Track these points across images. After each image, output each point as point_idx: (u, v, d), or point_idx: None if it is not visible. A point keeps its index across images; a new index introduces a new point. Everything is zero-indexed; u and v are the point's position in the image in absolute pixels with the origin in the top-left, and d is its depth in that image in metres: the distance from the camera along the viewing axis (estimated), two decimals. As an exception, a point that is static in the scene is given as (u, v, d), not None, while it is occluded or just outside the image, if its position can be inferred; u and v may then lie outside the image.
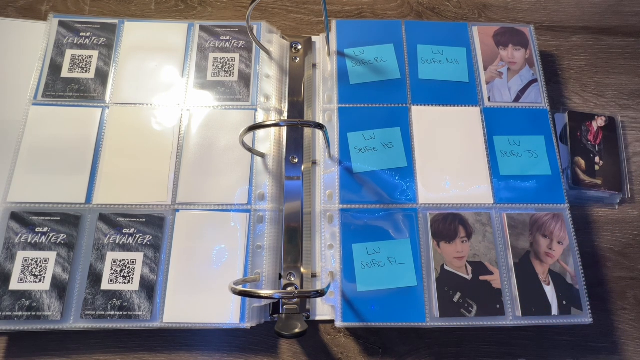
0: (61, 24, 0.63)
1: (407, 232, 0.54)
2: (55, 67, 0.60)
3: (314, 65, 0.65)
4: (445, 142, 0.59)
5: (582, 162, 0.62)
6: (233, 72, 0.62)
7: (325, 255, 0.54)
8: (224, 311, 0.50)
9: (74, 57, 0.61)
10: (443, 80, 0.62)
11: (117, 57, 0.62)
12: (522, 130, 0.60)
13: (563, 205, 0.56)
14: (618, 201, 0.62)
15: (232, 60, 0.62)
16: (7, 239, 0.52)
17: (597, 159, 0.63)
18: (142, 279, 0.51)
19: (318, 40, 0.67)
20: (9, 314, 0.49)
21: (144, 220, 0.54)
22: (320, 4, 0.72)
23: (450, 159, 0.58)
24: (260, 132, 0.59)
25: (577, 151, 0.63)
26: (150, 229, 0.54)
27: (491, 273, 0.53)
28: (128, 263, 0.52)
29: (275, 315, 0.52)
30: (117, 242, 0.53)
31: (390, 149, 0.58)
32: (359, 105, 0.60)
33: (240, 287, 0.41)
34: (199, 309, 0.51)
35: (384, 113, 0.60)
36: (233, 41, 0.63)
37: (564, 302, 0.52)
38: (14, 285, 0.50)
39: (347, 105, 0.60)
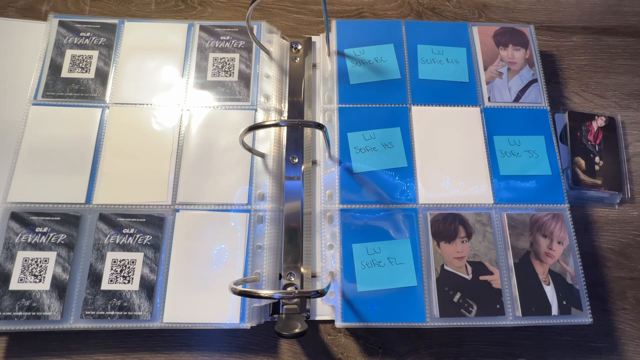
0: (61, 24, 0.63)
1: (407, 232, 0.54)
2: (55, 67, 0.60)
3: (314, 65, 0.65)
4: (445, 142, 0.59)
5: (582, 162, 0.62)
6: (233, 72, 0.62)
7: (325, 255, 0.54)
8: (224, 311, 0.50)
9: (74, 57, 0.61)
10: (443, 80, 0.62)
11: (117, 57, 0.62)
12: (522, 130, 0.60)
13: (563, 205, 0.56)
14: (618, 201, 0.62)
15: (232, 60, 0.62)
16: (7, 239, 0.52)
17: (597, 159, 0.63)
18: (142, 279, 0.51)
19: (318, 40, 0.67)
20: (9, 314, 0.49)
21: (144, 220, 0.54)
22: (320, 4, 0.72)
23: (450, 159, 0.58)
24: (260, 132, 0.59)
25: (577, 151, 0.63)
26: (150, 229, 0.54)
27: (491, 273, 0.53)
28: (128, 263, 0.52)
29: (275, 315, 0.52)
30: (117, 242, 0.53)
31: (390, 149, 0.58)
32: (359, 105, 0.60)
33: (240, 287, 0.41)
34: (199, 309, 0.51)
35: (384, 113, 0.60)
36: (233, 41, 0.63)
37: (564, 302, 0.52)
38: (14, 285, 0.50)
39: (347, 105, 0.60)
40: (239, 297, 0.51)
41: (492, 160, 0.58)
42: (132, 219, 0.54)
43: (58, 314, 0.50)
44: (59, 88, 0.59)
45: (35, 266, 0.51)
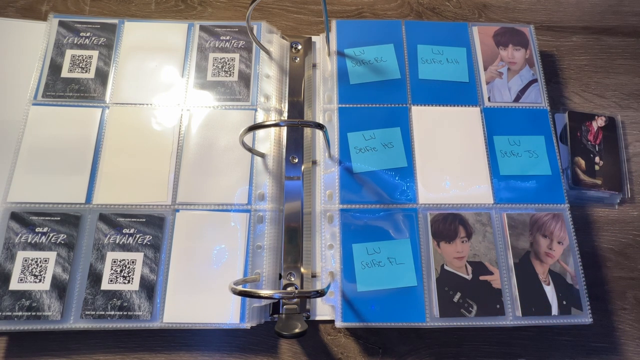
0: (61, 24, 0.63)
1: (407, 232, 0.54)
2: (55, 67, 0.60)
3: (314, 65, 0.65)
4: (445, 142, 0.59)
5: (582, 162, 0.62)
6: (233, 72, 0.62)
7: (325, 255, 0.54)
8: (224, 311, 0.50)
9: (74, 57, 0.61)
10: (443, 80, 0.62)
11: (117, 57, 0.62)
12: (522, 130, 0.60)
13: (563, 205, 0.56)
14: (618, 201, 0.62)
15: (232, 60, 0.62)
16: (7, 239, 0.52)
17: (597, 159, 0.63)
18: (142, 279, 0.51)
19: (318, 40, 0.67)
20: (9, 314, 0.49)
21: (144, 220, 0.54)
22: (320, 4, 0.72)
23: (450, 159, 0.58)
24: (260, 132, 0.59)
25: (577, 151, 0.63)
26: (150, 229, 0.54)
27: (491, 273, 0.53)
28: (128, 263, 0.52)
29: (275, 315, 0.52)
30: (117, 242, 0.53)
31: (390, 149, 0.58)
32: (359, 105, 0.60)
33: (240, 287, 0.41)
34: (199, 309, 0.51)
35: (384, 113, 0.60)
36: (233, 41, 0.63)
37: (564, 302, 0.52)
38: (14, 285, 0.50)
39: (347, 105, 0.60)
40: (239, 297, 0.51)
41: (492, 160, 0.58)
42: (132, 219, 0.54)
43: (58, 314, 0.50)
44: (59, 88, 0.59)
45: (35, 266, 0.51)
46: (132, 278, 0.51)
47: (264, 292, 0.42)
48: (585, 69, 0.70)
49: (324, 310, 0.54)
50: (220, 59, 0.62)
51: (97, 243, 0.53)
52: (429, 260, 0.53)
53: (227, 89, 0.61)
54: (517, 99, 0.62)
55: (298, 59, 0.65)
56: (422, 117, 0.60)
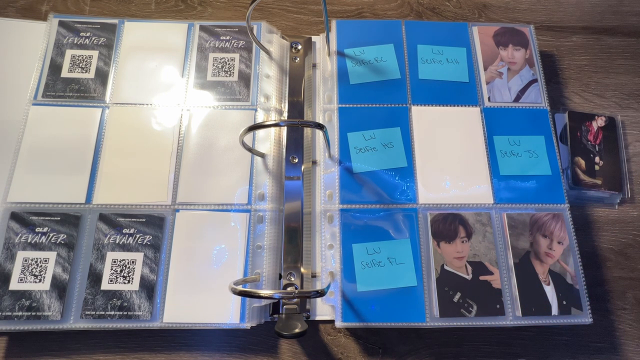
0: (61, 24, 0.63)
1: (407, 232, 0.54)
2: (55, 67, 0.60)
3: (314, 65, 0.65)
4: (445, 142, 0.59)
5: (582, 162, 0.62)
6: (233, 72, 0.62)
7: (325, 255, 0.54)
8: (224, 311, 0.50)
9: (74, 57, 0.61)
10: (443, 80, 0.62)
11: (117, 57, 0.62)
12: (522, 130, 0.60)
13: (563, 205, 0.56)
14: (618, 201, 0.62)
15: (232, 60, 0.62)
16: (7, 239, 0.52)
17: (597, 159, 0.63)
18: (142, 279, 0.51)
19: (318, 40, 0.67)
20: (9, 314, 0.49)
21: (144, 220, 0.54)
22: (320, 4, 0.72)
23: (450, 159, 0.58)
24: (260, 132, 0.59)
25: (577, 151, 0.63)
26: (150, 229, 0.54)
27: (491, 273, 0.53)
28: (128, 263, 0.52)
29: (275, 315, 0.52)
30: (117, 242, 0.53)
31: (390, 149, 0.58)
32: (359, 105, 0.60)
33: (240, 287, 0.41)
34: (199, 309, 0.51)
35: (384, 113, 0.60)
36: (233, 41, 0.63)
37: (564, 302, 0.52)
38: (14, 285, 0.50)
39: (347, 105, 0.60)
40: (239, 297, 0.51)
41: (492, 160, 0.58)
42: (132, 219, 0.54)
43: (58, 314, 0.50)
44: (59, 88, 0.59)
45: (35, 266, 0.51)
46: (132, 278, 0.51)
47: (264, 292, 0.42)
48: (585, 69, 0.70)
49: (324, 310, 0.54)
50: (220, 59, 0.62)
51: (97, 243, 0.53)
52: (429, 260, 0.53)
53: (227, 89, 0.61)
54: (517, 99, 0.62)
55: (298, 59, 0.65)
56: (422, 117, 0.60)
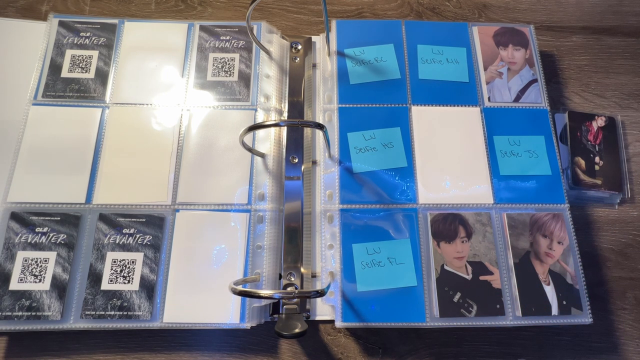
0: (61, 24, 0.63)
1: (407, 232, 0.54)
2: (55, 67, 0.60)
3: (314, 65, 0.65)
4: (445, 142, 0.59)
5: (582, 162, 0.62)
6: (233, 72, 0.62)
7: (325, 255, 0.54)
8: (224, 311, 0.50)
9: (74, 57, 0.61)
10: (443, 80, 0.62)
11: (117, 57, 0.62)
12: (522, 130, 0.60)
13: (563, 205, 0.56)
14: (618, 201, 0.62)
15: (232, 60, 0.62)
16: (7, 239, 0.52)
17: (597, 159, 0.63)
18: (142, 279, 0.51)
19: (318, 40, 0.67)
20: (9, 314, 0.49)
21: (144, 220, 0.54)
22: (320, 4, 0.72)
23: (450, 159, 0.58)
24: (260, 132, 0.59)
25: (577, 151, 0.63)
26: (150, 229, 0.54)
27: (491, 273, 0.53)
28: (128, 263, 0.52)
29: (275, 315, 0.52)
30: (117, 242, 0.53)
31: (390, 149, 0.58)
32: (359, 105, 0.60)
33: (240, 287, 0.41)
34: (199, 309, 0.51)
35: (384, 113, 0.60)
36: (233, 41, 0.63)
37: (564, 302, 0.52)
38: (14, 285, 0.50)
39: (347, 105, 0.60)
40: (239, 297, 0.51)
41: (492, 160, 0.58)
42: (132, 219, 0.54)
43: (58, 314, 0.50)
44: (59, 88, 0.59)
45: (35, 266, 0.51)
46: (132, 278, 0.51)
47: (264, 292, 0.42)
48: (585, 69, 0.70)
49: (324, 310, 0.54)
50: (220, 59, 0.62)
51: (97, 243, 0.53)
52: (429, 260, 0.53)
53: (227, 89, 0.61)
54: (517, 99, 0.62)
55: (298, 59, 0.65)
56: (422, 117, 0.60)
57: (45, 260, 0.51)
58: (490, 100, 0.61)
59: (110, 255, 0.52)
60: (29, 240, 0.52)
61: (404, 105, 0.61)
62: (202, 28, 0.64)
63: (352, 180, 0.56)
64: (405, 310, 0.51)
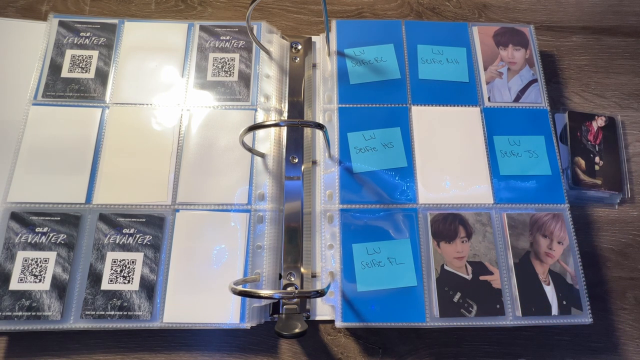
0: (61, 24, 0.63)
1: (407, 232, 0.54)
2: (55, 67, 0.60)
3: (314, 65, 0.65)
4: (445, 142, 0.59)
5: (582, 162, 0.62)
6: (233, 72, 0.62)
7: (325, 255, 0.54)
8: (224, 311, 0.50)
9: (74, 57, 0.61)
10: (443, 80, 0.62)
11: (117, 57, 0.62)
12: (522, 130, 0.60)
13: (563, 205, 0.56)
14: (618, 201, 0.62)
15: (232, 60, 0.62)
16: (7, 239, 0.52)
17: (597, 159, 0.63)
18: (142, 279, 0.51)
19: (318, 40, 0.67)
20: (9, 314, 0.49)
21: (144, 220, 0.54)
22: (320, 4, 0.72)
23: (450, 159, 0.58)
24: (260, 132, 0.59)
25: (577, 151, 0.63)
26: (150, 229, 0.54)
27: (491, 273, 0.53)
28: (128, 263, 0.52)
29: (275, 315, 0.52)
30: (117, 242, 0.53)
31: (390, 149, 0.58)
32: (359, 105, 0.60)
33: (240, 287, 0.41)
34: (199, 309, 0.51)
35: (384, 113, 0.60)
36: (233, 41, 0.63)
37: (564, 302, 0.52)
38: (14, 285, 0.50)
39: (347, 105, 0.60)
40: (239, 297, 0.51)
41: (492, 160, 0.58)
42: (132, 219, 0.54)
43: (58, 314, 0.50)
44: (59, 88, 0.59)
45: (35, 266, 0.51)
46: (132, 278, 0.51)
47: (264, 292, 0.42)
48: (585, 69, 0.70)
49: (324, 310, 0.54)
50: (220, 59, 0.62)
51: (97, 243, 0.53)
52: (429, 260, 0.53)
53: (227, 89, 0.61)
54: (517, 99, 0.62)
55: (298, 59, 0.65)
56: (422, 117, 0.60)
57: (45, 260, 0.51)
58: (490, 100, 0.61)
59: (110, 255, 0.52)
60: (29, 240, 0.52)
61: (404, 105, 0.61)
62: (202, 28, 0.64)
63: (352, 180, 0.56)
64: (405, 310, 0.51)
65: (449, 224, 0.55)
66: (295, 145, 0.60)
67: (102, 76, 0.61)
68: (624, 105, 0.68)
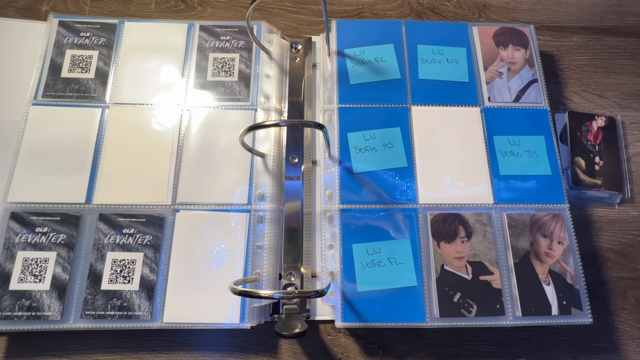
0: (61, 24, 0.63)
1: (407, 232, 0.54)
2: (55, 67, 0.60)
3: (314, 65, 0.65)
4: (445, 142, 0.59)
5: (582, 162, 0.62)
6: (233, 72, 0.62)
7: (325, 255, 0.54)
8: (224, 311, 0.50)
9: (74, 57, 0.61)
10: (443, 80, 0.62)
11: (117, 57, 0.62)
12: (522, 130, 0.60)
13: (563, 205, 0.56)
14: (618, 201, 0.62)
15: (232, 60, 0.62)
16: (7, 239, 0.52)
17: (597, 159, 0.63)
18: (142, 279, 0.51)
19: (318, 40, 0.67)
20: (9, 314, 0.49)
21: (144, 220, 0.54)
22: (320, 4, 0.72)
23: (450, 159, 0.58)
24: (260, 132, 0.59)
25: (577, 151, 0.63)
26: (150, 229, 0.54)
27: (491, 273, 0.53)
28: (128, 263, 0.52)
29: (275, 315, 0.52)
30: (117, 242, 0.53)
31: (390, 149, 0.58)
32: (359, 105, 0.60)
33: (240, 287, 0.41)
34: (199, 309, 0.51)
35: (384, 113, 0.60)
36: (233, 41, 0.63)
37: (564, 302, 0.52)
38: (14, 285, 0.50)
39: (347, 105, 0.60)
40: (239, 297, 0.51)
41: (492, 160, 0.58)
42: (132, 219, 0.54)
43: (58, 314, 0.50)
44: (59, 88, 0.59)
45: (35, 266, 0.51)
46: (132, 278, 0.51)
47: (264, 292, 0.42)
48: (585, 69, 0.70)
49: (324, 310, 0.54)
50: (220, 59, 0.62)
51: (97, 243, 0.53)
52: (429, 260, 0.53)
53: (227, 89, 0.61)
54: (517, 99, 0.62)
55: (298, 59, 0.65)
56: (422, 117, 0.60)
57: (45, 260, 0.51)
58: (490, 100, 0.61)
59: (110, 255, 0.52)
60: (29, 240, 0.52)
61: (404, 105, 0.61)
62: (202, 28, 0.64)
63: (352, 180, 0.56)
64: (405, 310, 0.51)
65: (449, 224, 0.55)
66: (295, 145, 0.60)
67: (102, 76, 0.61)
68: (624, 105, 0.68)
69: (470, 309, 0.51)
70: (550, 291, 0.52)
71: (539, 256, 0.54)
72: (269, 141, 0.58)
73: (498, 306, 0.51)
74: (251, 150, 0.56)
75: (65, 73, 0.60)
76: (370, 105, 0.60)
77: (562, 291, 0.52)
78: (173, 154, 0.57)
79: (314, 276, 0.55)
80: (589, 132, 0.64)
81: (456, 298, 0.51)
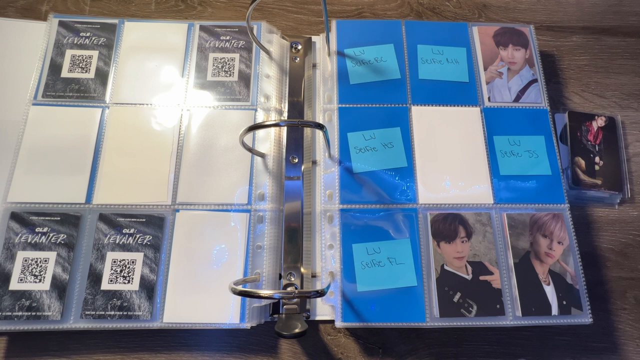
0: (61, 24, 0.63)
1: (407, 232, 0.54)
2: (55, 67, 0.60)
3: (314, 65, 0.65)
4: (445, 142, 0.59)
5: (582, 162, 0.62)
6: (233, 72, 0.62)
7: (325, 255, 0.54)
8: (224, 311, 0.50)
9: (74, 57, 0.61)
10: (443, 80, 0.62)
11: (117, 57, 0.62)
12: (522, 130, 0.60)
13: (563, 205, 0.56)
14: (618, 201, 0.62)
15: (232, 60, 0.62)
16: (7, 239, 0.52)
17: (597, 159, 0.63)
18: (142, 279, 0.51)
19: (318, 40, 0.67)
20: (9, 314, 0.49)
21: (144, 220, 0.54)
22: (320, 4, 0.72)
23: (450, 159, 0.58)
24: (260, 132, 0.59)
25: (577, 151, 0.63)
26: (150, 229, 0.54)
27: (491, 273, 0.53)
28: (128, 263, 0.52)
29: (275, 315, 0.52)
30: (117, 242, 0.53)
31: (390, 149, 0.58)
32: (359, 105, 0.60)
33: (240, 287, 0.41)
34: (199, 309, 0.51)
35: (384, 113, 0.60)
36: (233, 41, 0.63)
37: (564, 302, 0.52)
38: (14, 285, 0.50)
39: (347, 105, 0.60)
40: (239, 297, 0.51)
41: (492, 160, 0.58)
42: (132, 219, 0.54)
43: (58, 314, 0.50)
44: (59, 88, 0.59)
45: (35, 266, 0.51)
46: (132, 278, 0.51)
47: (264, 292, 0.42)
48: (585, 69, 0.70)
49: (324, 310, 0.54)
50: (220, 59, 0.62)
51: (97, 243, 0.53)
52: (429, 260, 0.53)
53: (227, 89, 0.61)
54: (517, 99, 0.62)
55: (298, 59, 0.65)
56: (422, 117, 0.60)
57: (45, 260, 0.51)
58: (490, 100, 0.61)
59: (110, 255, 0.52)
60: (29, 240, 0.52)
61: (404, 105, 0.61)
62: (202, 28, 0.64)
63: (352, 180, 0.56)
64: (405, 310, 0.51)
65: (449, 224, 0.55)
66: (295, 145, 0.60)
67: (102, 76, 0.61)
68: (624, 105, 0.68)
69: (470, 309, 0.51)
70: (550, 291, 0.52)
71: (539, 256, 0.54)
72: (269, 141, 0.58)
73: (498, 306, 0.51)
74: (251, 150, 0.56)
75: (65, 73, 0.60)
76: (370, 105, 0.60)
77: (562, 291, 0.52)
78: (173, 154, 0.57)
79: (314, 276, 0.55)
80: (589, 132, 0.64)
81: (456, 298, 0.51)
